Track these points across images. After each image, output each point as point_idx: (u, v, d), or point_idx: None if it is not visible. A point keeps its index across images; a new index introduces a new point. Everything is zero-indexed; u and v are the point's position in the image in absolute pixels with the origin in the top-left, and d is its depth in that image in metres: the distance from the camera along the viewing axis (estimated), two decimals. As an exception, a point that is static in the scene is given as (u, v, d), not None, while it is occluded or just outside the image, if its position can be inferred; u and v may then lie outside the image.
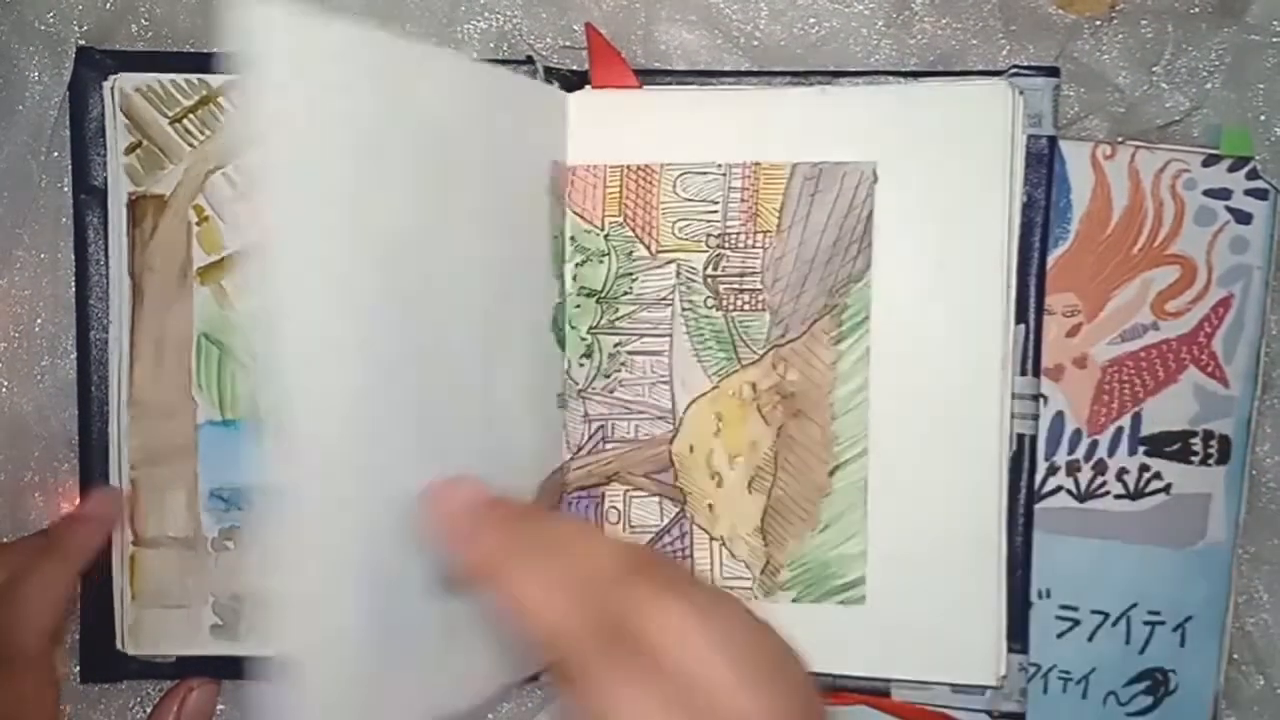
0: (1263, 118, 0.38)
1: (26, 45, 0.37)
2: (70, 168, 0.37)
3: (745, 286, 0.37)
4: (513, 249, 0.35)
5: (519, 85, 0.35)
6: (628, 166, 0.37)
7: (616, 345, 0.37)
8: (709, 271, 0.37)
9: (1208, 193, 0.38)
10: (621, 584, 0.24)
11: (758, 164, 0.36)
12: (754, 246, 0.36)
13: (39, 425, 0.38)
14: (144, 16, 0.37)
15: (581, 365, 0.37)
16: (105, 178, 0.36)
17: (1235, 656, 0.39)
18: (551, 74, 0.36)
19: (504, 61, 0.36)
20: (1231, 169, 0.38)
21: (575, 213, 0.37)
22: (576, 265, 0.37)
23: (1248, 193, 0.38)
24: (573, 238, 0.37)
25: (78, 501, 0.38)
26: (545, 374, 0.37)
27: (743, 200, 0.36)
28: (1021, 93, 0.36)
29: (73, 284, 0.37)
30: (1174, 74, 0.38)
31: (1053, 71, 0.36)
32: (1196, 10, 0.38)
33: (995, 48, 0.38)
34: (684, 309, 0.37)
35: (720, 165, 0.36)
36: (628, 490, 0.38)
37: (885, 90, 0.36)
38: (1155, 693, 0.39)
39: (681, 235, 0.37)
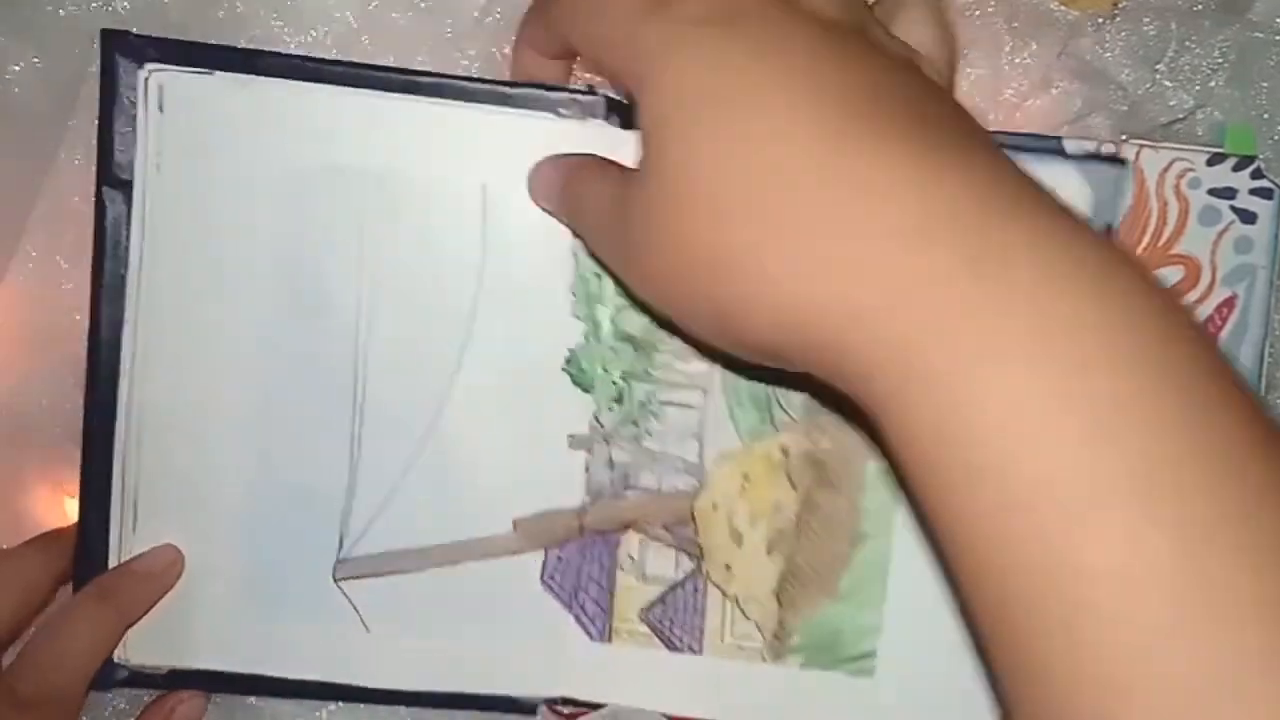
0: (1266, 115, 0.38)
1: (49, 30, 0.35)
2: (95, 160, 0.35)
3: (789, 348, 0.36)
4: (505, 290, 0.35)
5: (528, 129, 0.35)
6: (681, 214, 0.35)
7: (649, 394, 0.36)
8: (754, 330, 0.36)
9: (1212, 192, 0.37)
10: None
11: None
12: (807, 308, 0.35)
13: (50, 422, 0.37)
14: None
15: (610, 410, 0.36)
16: (133, 172, 0.35)
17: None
18: (614, 108, 0.35)
19: (558, 89, 0.35)
20: (1236, 168, 0.37)
21: (622, 256, 0.35)
22: (617, 309, 0.36)
23: (1252, 192, 0.37)
24: (616, 281, 0.35)
25: (77, 505, 0.36)
26: (549, 413, 0.36)
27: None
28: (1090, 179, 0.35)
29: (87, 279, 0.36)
30: (1177, 72, 0.37)
31: (1117, 161, 0.35)
32: (1200, 7, 0.38)
33: (998, 45, 0.37)
34: (723, 367, 0.36)
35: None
36: (644, 539, 0.37)
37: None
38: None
39: (729, 288, 0.35)
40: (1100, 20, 0.37)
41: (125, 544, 0.36)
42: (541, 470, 0.36)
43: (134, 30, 0.35)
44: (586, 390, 0.36)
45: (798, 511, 0.36)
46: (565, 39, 0.30)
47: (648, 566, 0.37)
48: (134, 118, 0.34)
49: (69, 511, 0.37)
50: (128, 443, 0.36)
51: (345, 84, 0.34)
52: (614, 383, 0.36)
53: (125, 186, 0.35)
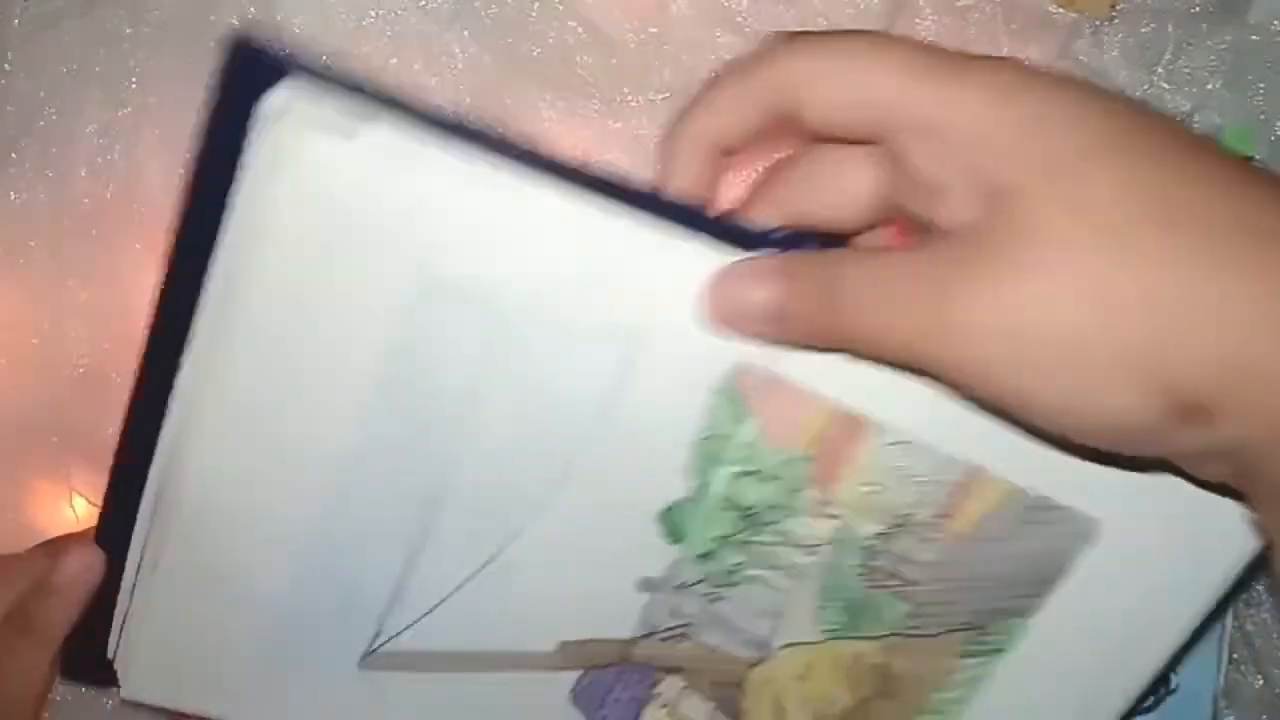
0: (1263, 117, 0.37)
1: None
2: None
3: (902, 572, 0.32)
4: (619, 437, 0.31)
5: (703, 271, 0.28)
6: (839, 404, 0.30)
7: (739, 563, 0.33)
8: (872, 544, 0.32)
9: (1213, 195, 0.36)
10: None
11: (983, 468, 0.31)
12: (933, 540, 0.32)
13: (57, 430, 0.33)
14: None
15: (693, 564, 0.33)
16: (221, 218, 0.28)
17: (1235, 656, 0.40)
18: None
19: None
20: (1236, 171, 0.36)
21: (759, 424, 0.31)
22: (734, 475, 0.32)
23: (1252, 195, 0.36)
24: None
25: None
26: (627, 556, 0.33)
27: (949, 496, 0.31)
28: None
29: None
30: (1175, 74, 0.37)
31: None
32: (1197, 10, 0.37)
33: (996, 47, 0.36)
34: (827, 566, 0.32)
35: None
36: (686, 686, 0.35)
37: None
38: (1155, 692, 0.39)
39: (861, 496, 0.31)
40: (1098, 23, 0.37)
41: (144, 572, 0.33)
42: (601, 603, 0.34)
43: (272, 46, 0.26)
44: (674, 543, 0.33)
45: (849, 712, 0.35)
46: (812, 100, 0.26)
47: (680, 709, 0.35)
48: (240, 153, 0.27)
49: (76, 514, 0.34)
50: (163, 480, 0.32)
51: (500, 152, 0.27)
52: (706, 540, 0.33)
53: (207, 233, 0.28)
